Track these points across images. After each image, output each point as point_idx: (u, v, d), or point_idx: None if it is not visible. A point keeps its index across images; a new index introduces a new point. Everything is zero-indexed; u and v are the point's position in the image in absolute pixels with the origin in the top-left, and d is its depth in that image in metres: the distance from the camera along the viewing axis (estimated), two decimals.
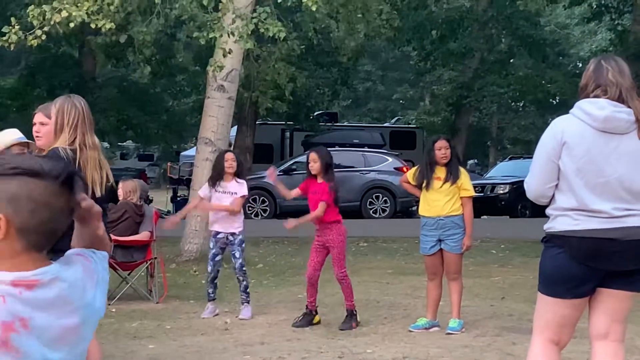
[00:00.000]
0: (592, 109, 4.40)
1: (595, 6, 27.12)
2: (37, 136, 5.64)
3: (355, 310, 8.46)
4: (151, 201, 15.96)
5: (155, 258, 10.07)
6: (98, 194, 5.07)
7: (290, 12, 18.56)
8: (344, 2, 15.99)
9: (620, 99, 4.42)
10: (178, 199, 24.32)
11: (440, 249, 8.11)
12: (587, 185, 4.38)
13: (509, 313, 8.99)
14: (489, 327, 8.29)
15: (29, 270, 1.92)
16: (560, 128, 4.45)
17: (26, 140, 6.32)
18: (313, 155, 8.43)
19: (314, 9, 12.20)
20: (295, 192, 8.61)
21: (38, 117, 5.67)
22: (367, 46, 26.16)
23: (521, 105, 39.38)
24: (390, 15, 17.80)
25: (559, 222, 4.47)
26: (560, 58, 34.10)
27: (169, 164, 30.49)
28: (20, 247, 1.92)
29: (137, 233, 9.91)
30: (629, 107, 4.41)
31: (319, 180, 8.37)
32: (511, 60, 31.67)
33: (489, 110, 32.15)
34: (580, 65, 35.50)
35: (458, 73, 30.46)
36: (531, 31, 28.90)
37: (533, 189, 4.54)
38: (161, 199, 26.38)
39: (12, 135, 6.42)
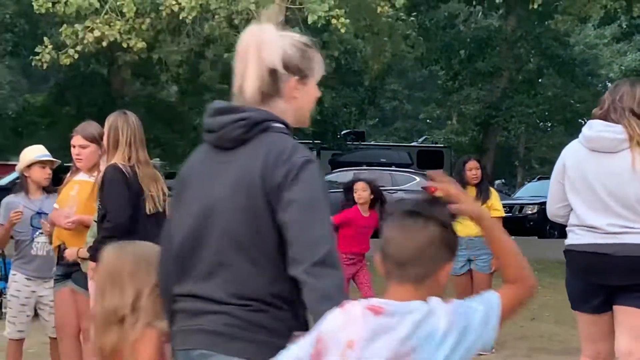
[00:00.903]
0: (585, 129, 4.59)
1: (625, 26, 26.98)
2: (78, 159, 5.62)
3: None
4: None
5: None
6: (160, 209, 5.00)
7: (318, 32, 18.64)
8: (371, 23, 16.01)
9: (610, 116, 4.50)
10: None
11: (470, 269, 8.08)
12: (583, 202, 4.55)
13: (538, 334, 8.92)
14: (518, 347, 8.24)
15: (389, 299, 2.11)
16: (566, 151, 4.71)
17: (49, 159, 6.21)
18: (362, 185, 8.15)
19: (342, 31, 12.23)
20: None
21: (77, 140, 5.63)
22: (394, 65, 26.13)
23: (549, 125, 39.19)
24: (416, 40, 17.78)
25: (568, 238, 4.70)
26: (590, 78, 33.90)
27: None
28: (384, 275, 2.16)
29: None
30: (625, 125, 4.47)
31: (366, 213, 8.09)
32: (540, 80, 31.52)
33: (517, 130, 32.00)
34: (610, 85, 35.26)
35: (486, 92, 30.31)
36: (560, 51, 28.75)
37: (548, 209, 4.87)
38: None
39: (35, 152, 6.27)
